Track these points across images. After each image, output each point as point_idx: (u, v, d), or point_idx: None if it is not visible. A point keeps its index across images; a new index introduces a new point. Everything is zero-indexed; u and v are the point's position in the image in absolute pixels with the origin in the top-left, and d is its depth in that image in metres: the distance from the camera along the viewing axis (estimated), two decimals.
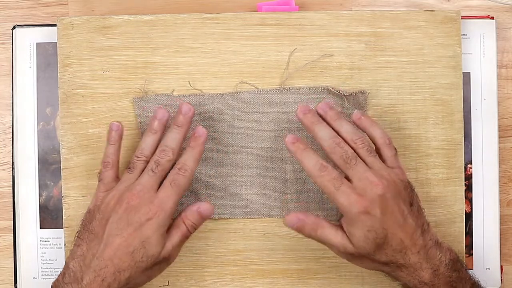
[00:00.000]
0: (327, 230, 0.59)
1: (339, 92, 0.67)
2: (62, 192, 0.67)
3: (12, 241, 0.69)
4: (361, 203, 0.56)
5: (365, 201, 0.56)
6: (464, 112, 0.68)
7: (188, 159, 0.61)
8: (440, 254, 0.58)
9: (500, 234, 0.70)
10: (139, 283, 0.59)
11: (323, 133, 0.60)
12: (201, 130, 0.62)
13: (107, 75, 0.67)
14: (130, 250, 0.57)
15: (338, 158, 0.59)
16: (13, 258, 0.69)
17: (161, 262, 0.59)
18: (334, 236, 0.59)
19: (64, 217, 0.67)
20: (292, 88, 0.67)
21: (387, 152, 0.61)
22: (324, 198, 0.67)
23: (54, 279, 0.59)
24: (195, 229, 0.61)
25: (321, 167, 0.58)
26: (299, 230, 0.60)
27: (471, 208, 0.70)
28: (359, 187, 0.57)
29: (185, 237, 0.60)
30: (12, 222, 0.69)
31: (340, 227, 0.59)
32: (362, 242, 0.57)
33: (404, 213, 0.58)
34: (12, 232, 0.69)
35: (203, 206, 0.60)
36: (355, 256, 0.59)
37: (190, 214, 0.60)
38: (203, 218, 0.61)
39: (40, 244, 0.69)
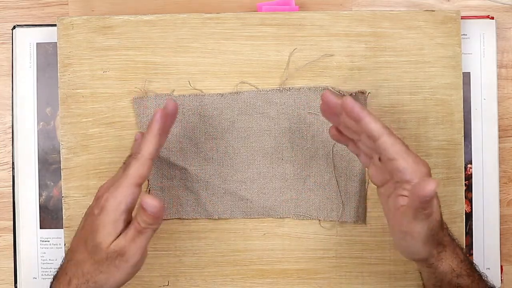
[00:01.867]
0: None
1: (339, 92, 0.67)
2: (62, 192, 0.67)
3: (12, 241, 0.69)
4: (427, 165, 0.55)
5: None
6: (464, 112, 0.68)
7: (143, 142, 0.56)
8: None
9: (500, 234, 0.70)
10: (100, 283, 0.55)
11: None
12: (163, 111, 0.56)
13: (107, 75, 0.67)
14: (84, 240, 0.55)
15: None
16: (13, 258, 0.69)
17: (114, 258, 0.54)
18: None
19: (64, 217, 0.67)
20: (292, 88, 0.67)
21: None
22: (324, 198, 0.67)
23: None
24: (150, 225, 0.54)
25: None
26: None
27: (471, 208, 0.70)
28: None
29: (140, 233, 0.54)
30: (12, 222, 0.69)
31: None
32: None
33: None
34: (12, 232, 0.69)
35: (144, 200, 0.53)
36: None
37: (138, 209, 0.55)
38: (147, 214, 0.53)
39: (40, 244, 0.69)
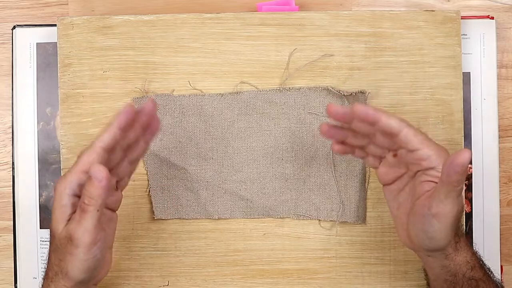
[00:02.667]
0: None
1: (339, 92, 0.67)
2: None
3: (12, 241, 0.69)
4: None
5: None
6: (464, 112, 0.68)
7: (102, 132, 0.55)
8: None
9: (500, 234, 0.70)
10: (65, 272, 0.54)
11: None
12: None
13: (107, 75, 0.67)
14: (49, 227, 0.56)
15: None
16: (13, 258, 0.69)
17: (66, 244, 0.53)
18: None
19: None
20: (292, 88, 0.67)
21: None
22: (324, 198, 0.67)
23: None
24: (93, 199, 0.52)
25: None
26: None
27: (471, 208, 0.70)
28: None
29: (84, 212, 0.52)
30: (12, 222, 0.69)
31: None
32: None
33: None
34: (12, 232, 0.69)
35: (93, 168, 0.52)
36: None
37: (85, 184, 0.53)
38: (93, 184, 0.52)
39: (40, 244, 0.69)
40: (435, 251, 0.57)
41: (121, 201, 0.59)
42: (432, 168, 0.55)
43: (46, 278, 0.55)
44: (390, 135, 0.55)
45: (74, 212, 0.54)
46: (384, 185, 0.60)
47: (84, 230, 0.52)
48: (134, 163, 0.59)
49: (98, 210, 0.52)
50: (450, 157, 0.52)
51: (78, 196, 0.54)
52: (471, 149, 0.70)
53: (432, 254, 0.58)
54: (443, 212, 0.54)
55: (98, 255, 0.54)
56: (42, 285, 0.56)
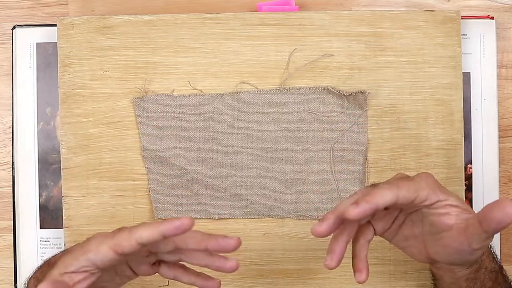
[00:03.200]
0: None
1: (339, 92, 0.67)
2: (62, 192, 0.67)
3: (12, 241, 0.69)
4: None
5: None
6: (464, 112, 0.68)
7: (145, 225, 0.51)
8: None
9: (500, 234, 0.70)
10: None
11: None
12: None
13: (107, 75, 0.67)
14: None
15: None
16: (13, 258, 0.69)
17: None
18: None
19: (64, 217, 0.67)
20: (292, 88, 0.67)
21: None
22: (324, 198, 0.67)
23: None
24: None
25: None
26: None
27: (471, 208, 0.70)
28: None
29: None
30: (12, 222, 0.69)
31: None
32: None
33: None
34: (12, 232, 0.69)
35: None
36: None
37: None
38: None
39: (40, 244, 0.69)
40: (464, 267, 0.56)
41: (149, 275, 0.57)
42: (433, 204, 0.52)
43: None
44: (393, 206, 0.52)
45: (78, 272, 0.51)
46: (380, 235, 0.57)
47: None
48: (154, 269, 0.56)
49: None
50: (494, 208, 0.49)
51: (88, 264, 0.51)
52: (471, 149, 0.70)
53: (460, 269, 0.56)
54: (485, 245, 0.53)
55: None
56: None
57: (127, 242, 0.50)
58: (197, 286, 0.56)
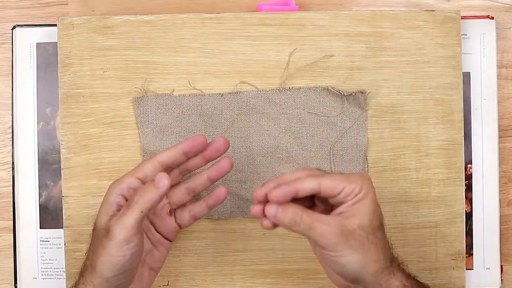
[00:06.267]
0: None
1: (339, 92, 0.67)
2: (62, 192, 0.67)
3: (12, 241, 0.69)
4: None
5: None
6: (464, 112, 0.68)
7: (165, 149, 0.60)
8: None
9: (500, 234, 0.70)
10: (94, 266, 0.55)
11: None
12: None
13: (107, 75, 0.67)
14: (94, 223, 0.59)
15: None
16: (13, 258, 0.69)
17: (102, 236, 0.55)
18: None
19: (64, 217, 0.67)
20: (292, 88, 0.67)
21: None
22: None
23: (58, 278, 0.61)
24: (142, 199, 0.54)
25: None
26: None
27: (471, 208, 0.70)
28: None
29: (127, 208, 0.54)
30: (12, 222, 0.69)
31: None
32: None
33: None
34: (12, 232, 0.69)
35: (159, 174, 0.55)
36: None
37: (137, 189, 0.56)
38: (149, 187, 0.54)
39: (40, 244, 0.69)
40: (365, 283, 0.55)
41: (176, 233, 0.63)
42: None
43: (79, 274, 0.58)
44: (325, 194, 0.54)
45: (118, 210, 0.56)
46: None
47: (122, 225, 0.54)
48: (191, 194, 0.62)
49: (142, 211, 0.54)
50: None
51: (125, 198, 0.57)
52: (471, 149, 0.70)
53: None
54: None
55: (128, 256, 0.54)
56: (76, 282, 0.58)
57: (150, 165, 0.58)
58: (211, 203, 0.62)
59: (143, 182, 0.57)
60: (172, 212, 0.62)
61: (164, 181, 0.54)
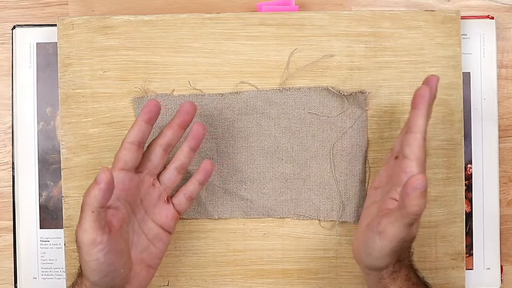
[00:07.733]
0: None
1: (339, 92, 0.67)
2: (62, 192, 0.67)
3: (12, 241, 0.69)
4: None
5: None
6: (464, 112, 0.68)
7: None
8: None
9: (500, 234, 0.70)
10: (83, 274, 0.56)
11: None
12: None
13: (107, 75, 0.67)
14: None
15: None
16: (13, 258, 0.69)
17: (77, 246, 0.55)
18: None
19: (64, 217, 0.67)
20: (292, 88, 0.67)
21: None
22: (324, 198, 0.67)
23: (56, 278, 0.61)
24: (89, 199, 0.53)
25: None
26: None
27: (471, 208, 0.70)
28: None
29: (82, 212, 0.54)
30: (12, 222, 0.69)
31: None
32: None
33: None
34: (12, 232, 0.69)
35: (100, 173, 0.53)
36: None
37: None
38: (96, 186, 0.53)
39: (40, 244, 0.69)
40: (371, 269, 0.57)
41: (175, 221, 0.62)
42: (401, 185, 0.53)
43: (77, 274, 0.58)
44: (408, 128, 0.56)
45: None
46: (372, 188, 0.59)
47: (82, 230, 0.53)
48: (181, 171, 0.62)
49: (92, 211, 0.52)
50: (407, 179, 0.50)
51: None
52: (471, 149, 0.70)
53: (369, 272, 0.57)
54: (388, 233, 0.53)
55: (101, 258, 0.53)
56: (73, 282, 0.58)
57: (125, 151, 0.57)
58: (201, 178, 0.62)
59: (129, 170, 0.58)
60: (169, 199, 0.62)
61: (101, 175, 0.52)
